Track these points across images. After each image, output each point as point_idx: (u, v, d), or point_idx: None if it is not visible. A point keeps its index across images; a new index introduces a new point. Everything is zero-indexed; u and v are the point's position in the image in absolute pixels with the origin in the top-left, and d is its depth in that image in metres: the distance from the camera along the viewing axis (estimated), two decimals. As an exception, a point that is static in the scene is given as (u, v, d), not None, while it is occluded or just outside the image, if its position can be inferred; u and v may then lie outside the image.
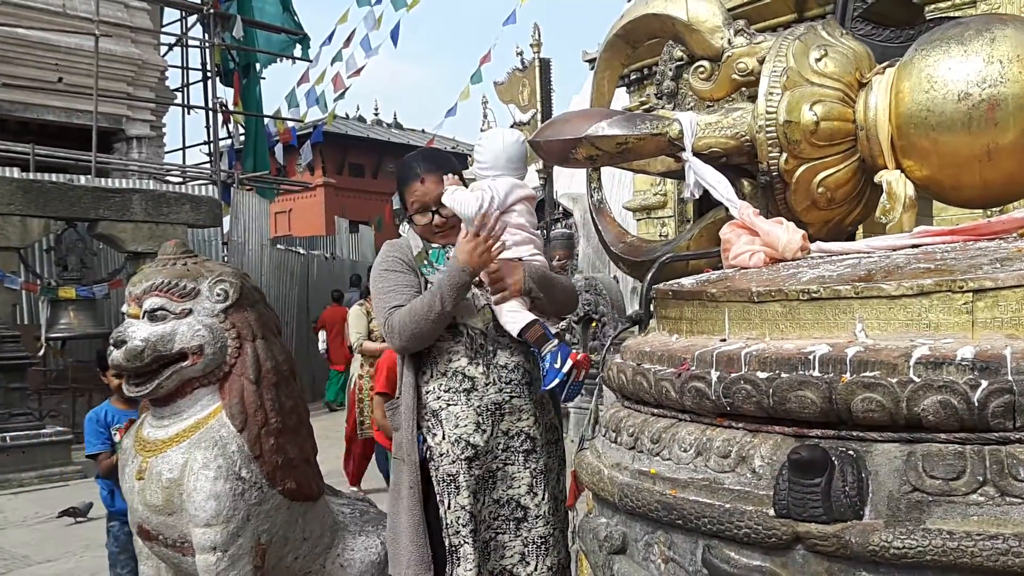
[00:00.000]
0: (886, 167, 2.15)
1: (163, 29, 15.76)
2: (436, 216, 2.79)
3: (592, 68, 8.65)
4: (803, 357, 1.55)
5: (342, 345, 10.25)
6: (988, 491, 1.36)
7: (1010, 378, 1.36)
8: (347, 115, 26.63)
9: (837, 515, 1.44)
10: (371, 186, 27.20)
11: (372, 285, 2.85)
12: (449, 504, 2.67)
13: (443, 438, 2.69)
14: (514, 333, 2.67)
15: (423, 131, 28.26)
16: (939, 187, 2.11)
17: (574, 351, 2.64)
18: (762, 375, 1.58)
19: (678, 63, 7.23)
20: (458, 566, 2.63)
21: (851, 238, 2.35)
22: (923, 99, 2.00)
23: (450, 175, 2.77)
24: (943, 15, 5.44)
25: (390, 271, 2.78)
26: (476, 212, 2.64)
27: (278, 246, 15.21)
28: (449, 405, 2.71)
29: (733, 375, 1.63)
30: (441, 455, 2.69)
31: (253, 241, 13.71)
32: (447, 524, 2.66)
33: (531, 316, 2.68)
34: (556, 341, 2.64)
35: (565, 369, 2.58)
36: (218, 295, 2.90)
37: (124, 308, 2.92)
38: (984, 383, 1.37)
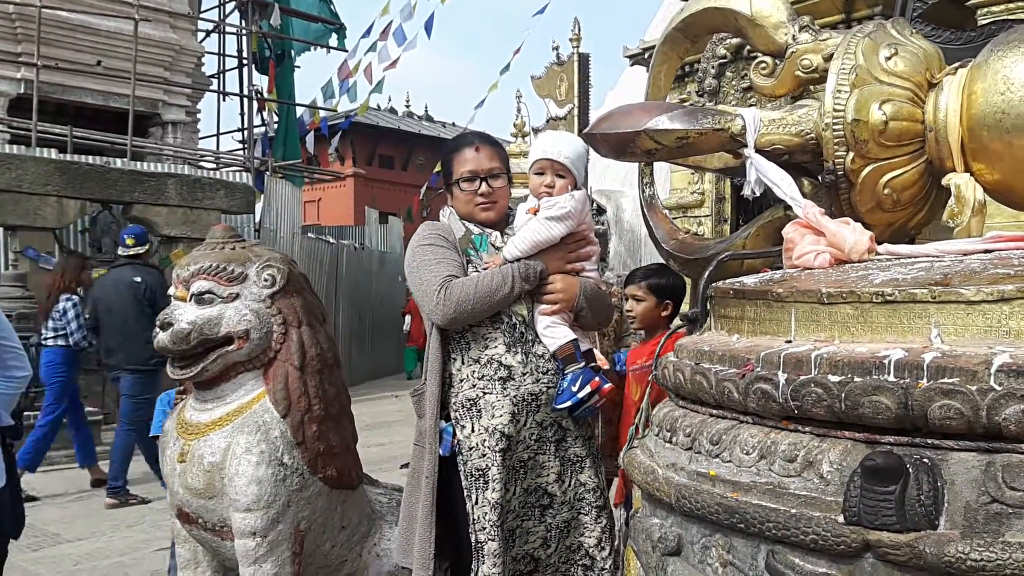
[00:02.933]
0: (954, 170, 2.10)
1: (201, 15, 15.86)
2: (484, 184, 2.76)
3: (632, 64, 8.62)
4: (877, 361, 1.51)
5: (422, 323, 10.50)
6: (1072, 505, 1.32)
7: (1098, 389, 1.31)
8: (379, 106, 26.67)
9: (911, 524, 1.40)
10: (401, 178, 27.26)
11: (412, 259, 2.75)
12: (477, 500, 2.62)
13: (472, 431, 2.65)
14: (550, 347, 2.68)
15: (454, 124, 28.27)
16: (1010, 192, 2.06)
17: (596, 379, 2.64)
18: (834, 378, 1.54)
19: (720, 60, 7.24)
20: (483, 563, 2.58)
21: (911, 242, 2.30)
22: (998, 101, 1.95)
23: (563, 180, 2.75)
24: (996, 19, 5.35)
25: (436, 245, 2.73)
26: (572, 219, 2.68)
27: (308, 235, 15.27)
28: (485, 394, 2.66)
29: (803, 377, 1.59)
30: (471, 449, 2.64)
31: (285, 229, 13.76)
32: (474, 519, 2.62)
33: (570, 335, 2.68)
34: (582, 364, 2.65)
35: (580, 395, 2.61)
36: (265, 280, 2.90)
37: (171, 291, 2.92)
38: (1070, 393, 1.32)
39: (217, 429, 2.86)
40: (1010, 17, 5.48)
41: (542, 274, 2.66)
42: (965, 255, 1.81)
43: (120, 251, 7.24)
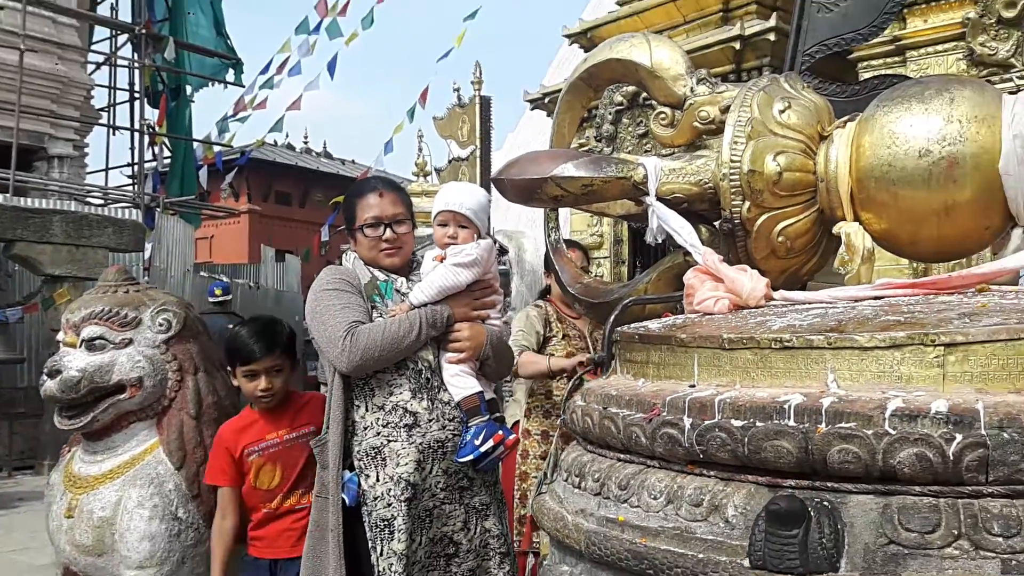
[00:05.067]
0: (844, 219, 2.20)
1: (91, 47, 15.38)
2: (388, 230, 2.74)
3: (532, 108, 8.76)
4: (777, 406, 1.56)
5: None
6: (963, 544, 1.38)
7: (983, 432, 1.38)
8: (276, 142, 26.25)
9: (813, 567, 1.44)
10: (298, 215, 26.81)
11: (316, 303, 2.68)
12: (382, 551, 2.56)
13: (377, 480, 2.60)
14: (455, 397, 2.66)
15: (354, 161, 28.08)
16: (896, 240, 2.17)
17: (500, 432, 2.63)
18: (737, 423, 1.58)
19: (617, 107, 7.42)
20: None
21: (804, 288, 2.39)
22: (885, 154, 2.06)
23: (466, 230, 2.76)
24: (875, 72, 5.67)
25: (340, 291, 2.68)
26: (479, 266, 2.69)
27: (201, 273, 14.84)
28: (390, 442, 2.62)
29: (707, 422, 1.62)
30: (375, 499, 2.59)
31: (175, 268, 13.35)
32: (379, 571, 2.56)
33: (476, 386, 2.67)
34: (487, 417, 2.64)
35: (483, 449, 2.59)
36: (160, 325, 2.81)
37: (60, 336, 2.79)
38: (959, 437, 1.39)
39: (107, 482, 2.73)
40: (887, 71, 5.84)
41: (449, 320, 2.65)
42: (857, 301, 1.90)
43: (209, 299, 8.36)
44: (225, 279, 15.06)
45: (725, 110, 2.32)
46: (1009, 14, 5.11)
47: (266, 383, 2.79)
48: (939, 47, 5.79)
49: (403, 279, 2.77)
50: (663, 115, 2.53)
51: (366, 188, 2.82)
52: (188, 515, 2.74)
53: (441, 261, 2.69)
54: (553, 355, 4.05)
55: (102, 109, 15.33)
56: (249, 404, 2.92)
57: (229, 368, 2.88)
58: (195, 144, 15.47)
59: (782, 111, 2.23)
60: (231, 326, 7.17)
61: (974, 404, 1.42)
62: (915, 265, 5.26)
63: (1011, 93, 2.08)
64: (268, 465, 2.82)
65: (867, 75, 5.82)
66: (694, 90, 2.43)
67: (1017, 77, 5.04)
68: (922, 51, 5.87)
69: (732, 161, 2.21)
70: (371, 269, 2.77)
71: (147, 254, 12.62)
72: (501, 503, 2.82)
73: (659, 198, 2.34)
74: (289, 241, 23.09)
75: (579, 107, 2.82)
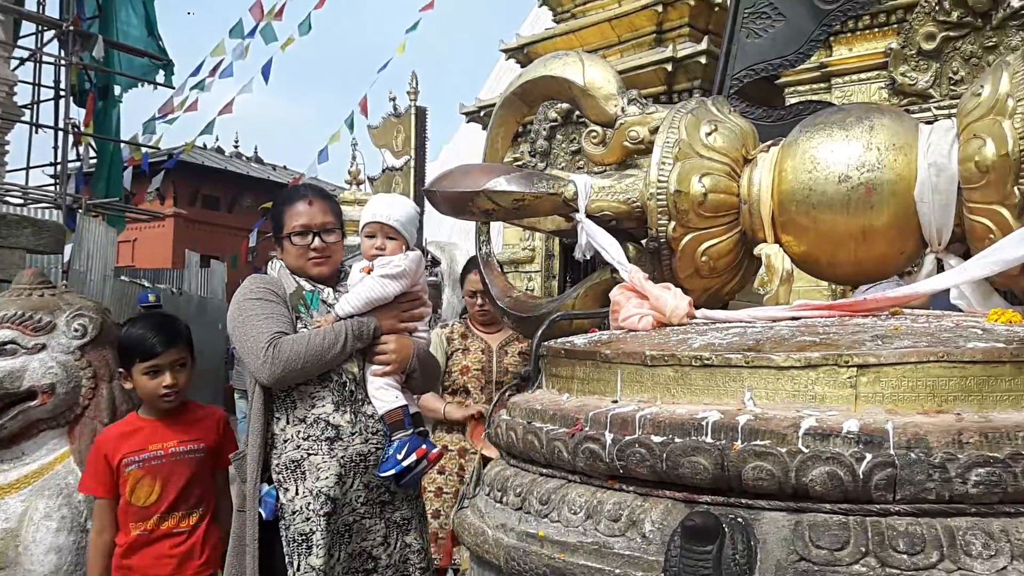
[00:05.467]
0: (766, 241, 2.25)
1: (16, 43, 14.87)
2: (317, 238, 2.71)
3: (468, 120, 8.77)
4: (695, 423, 1.58)
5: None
6: (870, 562, 1.41)
7: (892, 452, 1.42)
8: (205, 145, 25.74)
9: (727, 582, 1.46)
10: (226, 220, 26.31)
11: (239, 313, 2.63)
12: (299, 566, 2.52)
13: (296, 493, 2.56)
14: (379, 410, 2.64)
15: (285, 167, 27.70)
16: (815, 263, 2.23)
17: (423, 446, 2.61)
18: (656, 439, 1.60)
19: (552, 123, 7.48)
20: None
21: (725, 307, 2.44)
22: (806, 178, 2.11)
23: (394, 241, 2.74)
24: (801, 98, 5.84)
25: (264, 300, 2.63)
26: (407, 278, 2.67)
27: (122, 278, 14.43)
28: (310, 455, 2.58)
29: (628, 438, 1.64)
30: (294, 513, 2.55)
31: (95, 271, 12.94)
32: None
33: (400, 400, 2.65)
34: (410, 431, 2.63)
35: (405, 463, 2.57)
36: (76, 331, 2.73)
37: (-31, 340, 2.68)
38: (868, 456, 1.42)
39: (13, 492, 2.64)
40: (813, 97, 6.02)
41: (376, 332, 2.63)
42: (775, 322, 1.94)
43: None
44: (148, 284, 14.72)
45: (654, 131, 2.37)
46: (929, 46, 5.31)
47: (171, 378, 2.67)
48: (863, 75, 6.00)
49: (330, 290, 2.74)
50: (594, 133, 2.57)
51: (295, 196, 2.78)
52: (98, 527, 2.65)
53: (368, 272, 2.66)
54: (455, 382, 4.08)
55: (25, 106, 14.82)
56: (136, 411, 2.75)
57: (122, 370, 2.68)
58: (122, 145, 15.08)
59: (708, 134, 2.28)
60: (121, 324, 7.04)
61: (884, 424, 1.46)
62: (833, 287, 5.41)
63: (928, 123, 2.16)
64: (147, 479, 2.64)
65: (793, 100, 6.00)
66: (625, 110, 2.47)
67: (935, 107, 5.23)
68: (846, 78, 6.06)
69: (659, 181, 2.25)
70: (297, 278, 2.73)
71: (66, 257, 12.24)
72: (422, 518, 2.80)
73: (588, 215, 2.36)
74: (216, 247, 22.64)
75: (513, 122, 2.84)
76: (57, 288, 2.90)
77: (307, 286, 2.72)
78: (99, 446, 2.62)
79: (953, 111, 5.05)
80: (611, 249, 2.31)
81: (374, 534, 2.65)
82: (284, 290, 2.69)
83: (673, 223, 2.26)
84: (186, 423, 2.77)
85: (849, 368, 1.54)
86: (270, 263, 2.84)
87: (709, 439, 1.55)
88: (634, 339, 1.95)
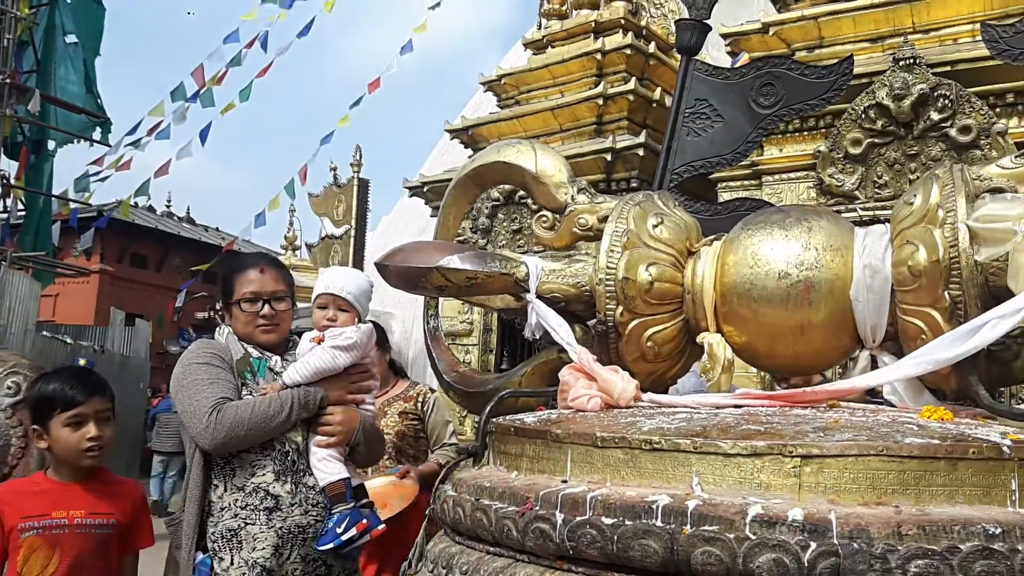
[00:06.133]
0: (708, 330, 2.34)
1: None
2: (267, 306, 2.71)
3: (411, 195, 8.86)
4: (646, 506, 1.62)
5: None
6: (813, 649, 1.45)
7: (835, 541, 1.48)
8: (136, 204, 25.37)
9: (673, 667, 1.48)
10: (154, 279, 25.76)
11: (184, 376, 2.60)
12: None
13: (231, 563, 2.52)
14: (320, 482, 2.62)
15: (217, 229, 27.40)
16: (755, 353, 2.32)
17: (364, 520, 2.59)
18: (608, 521, 1.63)
19: (494, 202, 7.62)
20: None
21: (666, 391, 2.51)
22: (747, 273, 2.22)
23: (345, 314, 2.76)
24: (734, 194, 6.09)
25: (210, 364, 2.62)
26: (357, 350, 2.69)
27: (43, 333, 13.98)
28: (247, 524, 2.54)
29: (579, 518, 1.66)
30: None
31: (16, 325, 12.54)
32: None
33: (343, 472, 2.64)
34: (351, 505, 2.61)
35: (344, 538, 2.55)
36: (8, 388, 2.67)
37: None
38: (813, 545, 1.48)
39: (-71, 555, 2.51)
40: (744, 193, 6.26)
41: (322, 402, 2.63)
42: (718, 408, 2.01)
43: None
44: (69, 340, 14.28)
45: (603, 219, 2.46)
46: (855, 151, 5.60)
47: (96, 430, 2.51)
48: (792, 175, 6.27)
49: (277, 357, 2.73)
50: (544, 218, 2.65)
51: (247, 263, 2.80)
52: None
53: (319, 343, 2.67)
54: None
55: (-47, 154, 14.48)
56: (44, 471, 2.53)
57: (37, 427, 2.48)
58: (53, 199, 14.80)
59: (655, 226, 2.38)
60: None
61: (827, 514, 1.52)
62: (763, 375, 5.56)
63: (856, 223, 2.30)
64: (44, 549, 2.40)
65: (726, 195, 6.24)
66: (575, 198, 2.57)
67: (860, 208, 5.49)
68: (776, 177, 6.33)
69: (608, 268, 2.33)
70: (245, 345, 2.72)
71: (-14, 309, 11.85)
72: None
73: (539, 296, 2.43)
74: (142, 305, 22.07)
75: (465, 202, 2.92)
76: (-8, 345, 2.82)
77: (255, 353, 2.71)
78: None
79: (877, 213, 5.29)
80: (560, 330, 2.37)
81: None
82: (231, 356, 2.68)
83: (621, 308, 2.33)
84: (98, 493, 2.57)
85: (793, 458, 1.61)
86: (217, 329, 2.83)
87: (659, 523, 1.59)
88: (584, 420, 2.00)
